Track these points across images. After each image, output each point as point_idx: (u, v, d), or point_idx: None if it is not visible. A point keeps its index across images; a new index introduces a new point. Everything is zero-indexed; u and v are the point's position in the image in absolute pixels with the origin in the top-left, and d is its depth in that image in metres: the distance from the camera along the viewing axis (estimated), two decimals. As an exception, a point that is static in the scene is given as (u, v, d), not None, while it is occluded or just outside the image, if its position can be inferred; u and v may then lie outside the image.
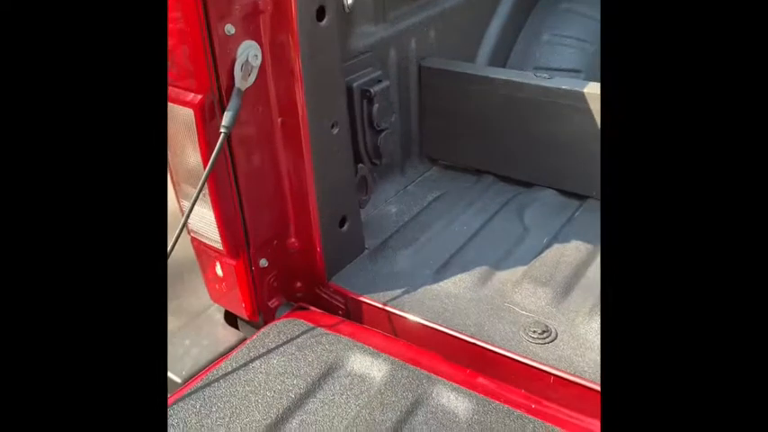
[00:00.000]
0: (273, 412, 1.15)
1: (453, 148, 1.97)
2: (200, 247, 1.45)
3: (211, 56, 1.19)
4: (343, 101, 1.44)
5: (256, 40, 1.26)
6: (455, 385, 1.18)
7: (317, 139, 1.38)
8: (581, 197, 1.78)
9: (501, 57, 2.26)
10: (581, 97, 1.66)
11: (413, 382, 1.20)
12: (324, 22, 1.32)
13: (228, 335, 1.55)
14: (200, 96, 1.21)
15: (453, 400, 1.16)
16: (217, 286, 1.50)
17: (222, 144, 1.21)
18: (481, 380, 1.22)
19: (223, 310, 1.59)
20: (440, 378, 1.20)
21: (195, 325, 1.56)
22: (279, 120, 1.36)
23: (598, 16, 2.31)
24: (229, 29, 1.20)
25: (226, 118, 1.21)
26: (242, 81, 1.24)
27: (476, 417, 1.12)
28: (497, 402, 1.15)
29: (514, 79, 1.77)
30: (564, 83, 1.71)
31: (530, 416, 1.12)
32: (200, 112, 1.21)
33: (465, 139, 1.92)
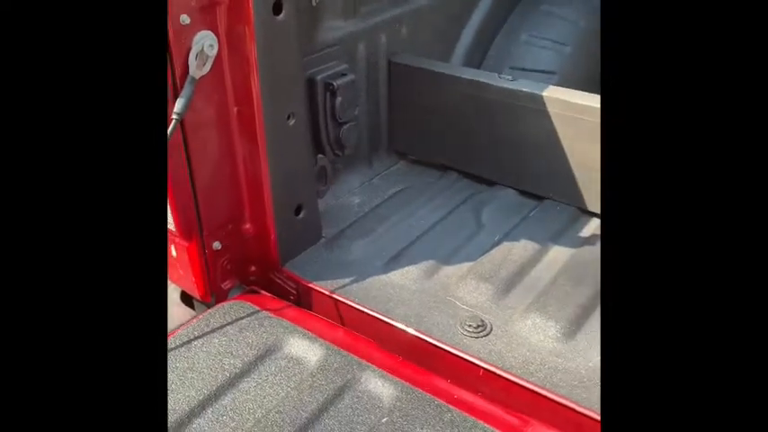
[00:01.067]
0: (207, 389, 1.20)
1: (420, 143, 2.01)
2: (156, 227, 1.50)
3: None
4: (300, 93, 1.48)
5: (213, 31, 1.30)
6: (383, 372, 1.23)
7: (272, 129, 1.43)
8: (539, 198, 1.82)
9: (478, 55, 2.30)
10: (541, 100, 1.70)
11: (344, 367, 1.25)
12: (281, 15, 1.36)
13: (183, 314, 1.60)
14: (153, 83, 1.25)
15: (380, 386, 1.21)
16: (172, 266, 1.55)
17: (173, 130, 1.25)
18: (409, 369, 1.27)
19: (180, 289, 1.64)
20: (370, 365, 1.25)
21: (151, 302, 1.61)
22: (235, 109, 1.41)
23: (577, 19, 2.34)
24: (184, 19, 1.24)
25: (178, 105, 1.25)
26: (196, 70, 1.28)
27: (398, 403, 1.17)
28: (420, 391, 1.19)
29: (479, 79, 1.80)
30: (526, 85, 1.74)
31: (449, 405, 1.17)
32: (153, 98, 1.25)
33: (431, 135, 1.96)
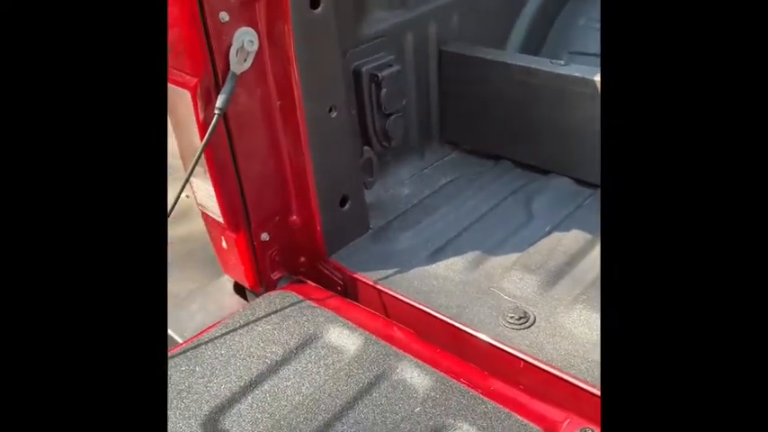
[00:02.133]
0: (248, 375, 1.24)
1: (472, 132, 1.98)
2: (207, 220, 1.56)
3: (206, 42, 1.28)
4: (341, 86, 1.50)
5: (253, 27, 1.33)
6: (420, 363, 1.23)
7: (314, 122, 1.45)
8: (595, 186, 1.75)
9: (535, 41, 2.24)
10: (593, 84, 1.64)
11: (381, 357, 1.26)
12: (318, 9, 1.37)
13: (234, 303, 1.66)
14: (195, 79, 1.30)
15: (416, 376, 1.21)
16: (224, 258, 1.61)
17: (216, 124, 1.30)
18: (447, 359, 1.26)
19: (233, 280, 1.70)
20: (407, 355, 1.25)
21: (205, 291, 1.68)
22: (278, 102, 1.44)
23: None
24: (223, 16, 1.28)
25: (219, 100, 1.29)
26: (237, 65, 1.32)
27: (432, 393, 1.17)
28: (456, 381, 1.18)
29: (529, 65, 1.76)
30: (578, 70, 1.68)
31: (484, 397, 1.15)
32: (195, 94, 1.30)
33: (483, 124, 1.93)
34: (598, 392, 1.16)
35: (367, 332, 1.32)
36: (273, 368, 1.26)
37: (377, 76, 1.67)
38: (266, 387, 1.23)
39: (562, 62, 1.74)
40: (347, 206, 1.61)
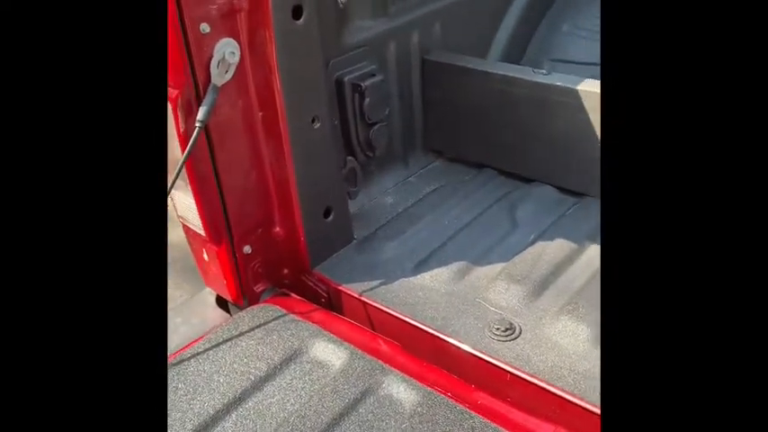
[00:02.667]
0: (232, 392, 1.22)
1: (456, 141, 1.98)
2: (188, 232, 1.53)
3: (187, 53, 1.26)
4: (324, 97, 1.48)
5: (234, 38, 1.31)
6: (406, 377, 1.22)
7: (296, 132, 1.44)
8: (578, 194, 1.76)
9: (518, 48, 2.24)
10: (575, 94, 1.64)
11: (367, 371, 1.24)
12: (301, 20, 1.36)
13: (217, 317, 1.63)
14: (176, 91, 1.27)
15: (402, 391, 1.20)
16: (205, 270, 1.59)
17: (197, 137, 1.28)
18: (434, 373, 1.25)
19: (215, 293, 1.67)
20: (393, 369, 1.24)
21: (189, 305, 1.66)
22: (260, 114, 1.42)
23: (621, 7, 2.25)
24: (204, 28, 1.26)
25: (201, 112, 1.27)
26: (218, 77, 1.30)
27: (419, 408, 1.16)
28: (443, 396, 1.17)
29: (512, 74, 1.76)
30: (560, 79, 1.69)
31: (472, 412, 1.14)
32: (176, 106, 1.28)
33: (467, 132, 1.93)
34: (585, 405, 1.16)
35: (352, 346, 1.31)
36: (258, 384, 1.24)
37: (360, 85, 1.66)
38: (250, 404, 1.21)
39: (544, 71, 1.74)
40: (331, 217, 1.60)
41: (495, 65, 1.90)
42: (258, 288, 1.59)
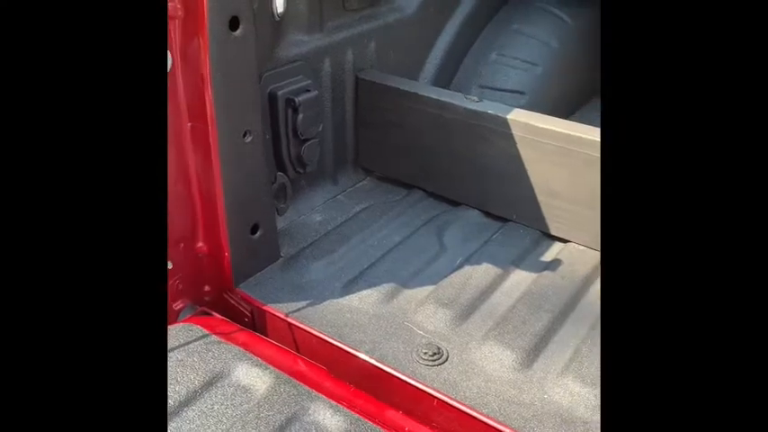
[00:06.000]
0: (148, 418, 1.15)
1: (386, 160, 1.98)
2: (104, 245, 1.44)
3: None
4: (257, 111, 1.45)
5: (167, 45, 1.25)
6: (333, 403, 1.19)
7: (227, 146, 1.39)
8: (503, 220, 1.80)
9: (448, 72, 2.28)
10: (505, 123, 1.68)
11: (293, 397, 1.21)
12: (238, 31, 1.32)
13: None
14: (99, 97, 1.20)
15: (329, 417, 1.17)
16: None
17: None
18: (361, 399, 1.23)
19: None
20: (320, 395, 1.21)
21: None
22: (188, 125, 1.36)
23: (547, 39, 2.34)
24: (134, 32, 1.19)
25: (125, 121, 1.20)
26: (146, 85, 1.23)
27: (346, 436, 1.13)
28: (370, 423, 1.16)
29: (444, 99, 1.78)
30: (490, 107, 1.73)
31: (399, 439, 1.13)
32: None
33: (397, 152, 1.94)
34: (510, 431, 1.17)
35: (277, 370, 1.27)
36: (176, 410, 1.18)
37: (294, 100, 1.63)
38: (169, 430, 1.14)
39: (475, 98, 1.78)
40: (258, 234, 1.55)
41: (427, 88, 1.92)
42: (177, 306, 1.52)
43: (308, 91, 1.68)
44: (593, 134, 1.57)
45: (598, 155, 1.55)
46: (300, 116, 1.65)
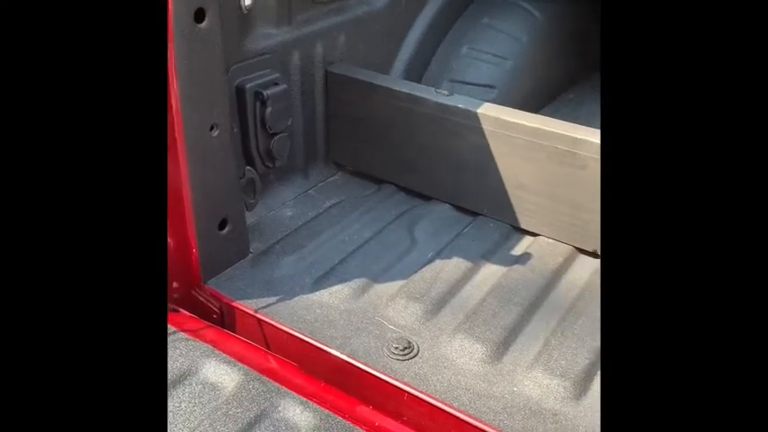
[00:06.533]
0: (113, 418, 1.13)
1: (357, 154, 1.97)
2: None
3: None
4: (225, 104, 1.42)
5: (128, 37, 1.22)
6: (303, 399, 1.18)
7: (193, 140, 1.36)
8: (474, 214, 1.80)
9: (419, 66, 2.27)
10: (475, 117, 1.68)
11: (262, 394, 1.19)
12: (203, 23, 1.30)
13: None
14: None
15: (298, 414, 1.16)
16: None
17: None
18: (331, 395, 1.22)
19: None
20: (290, 391, 1.20)
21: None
22: (154, 118, 1.33)
23: (517, 33, 2.35)
24: (95, 23, 1.16)
25: (87, 114, 1.17)
26: (109, 77, 1.21)
27: (316, 432, 1.13)
28: (340, 419, 1.15)
29: (414, 93, 1.78)
30: (461, 101, 1.73)
31: (369, 434, 1.13)
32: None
33: (368, 147, 1.93)
34: (479, 424, 1.18)
35: (246, 367, 1.25)
36: (142, 409, 1.16)
37: (262, 93, 1.61)
38: (133, 431, 1.12)
39: (446, 92, 1.77)
40: (226, 229, 1.53)
41: (398, 82, 1.91)
42: (144, 303, 1.48)
43: (277, 84, 1.66)
44: (562, 128, 1.58)
45: (567, 148, 1.56)
46: (269, 109, 1.63)
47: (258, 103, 1.63)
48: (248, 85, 1.60)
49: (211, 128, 1.39)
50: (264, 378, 1.23)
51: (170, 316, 1.43)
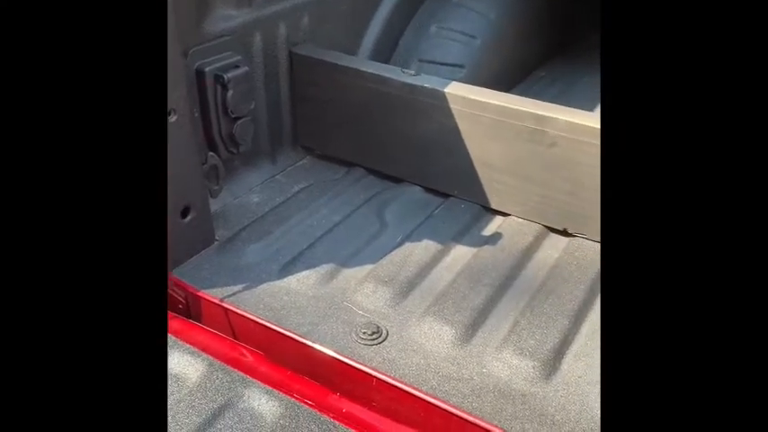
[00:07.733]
0: (72, 414, 1.10)
1: (325, 138, 1.94)
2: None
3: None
4: (182, 88, 1.38)
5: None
6: (269, 388, 1.16)
7: (150, 126, 1.32)
8: (444, 195, 1.78)
9: (387, 47, 2.24)
10: (442, 96, 1.66)
11: (226, 384, 1.17)
12: (154, 3, 1.24)
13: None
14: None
15: (264, 403, 1.14)
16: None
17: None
18: (298, 383, 1.20)
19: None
20: (255, 381, 1.18)
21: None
22: (107, 104, 1.29)
23: (487, 12, 2.31)
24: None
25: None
26: (56, 62, 1.16)
27: (282, 421, 1.11)
28: (307, 407, 1.13)
29: (381, 74, 1.74)
30: (427, 81, 1.70)
31: (336, 421, 1.11)
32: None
33: (336, 129, 1.89)
34: (448, 408, 1.17)
35: (211, 357, 1.23)
36: (102, 404, 1.13)
37: (222, 77, 1.57)
38: (93, 427, 1.09)
39: (413, 72, 1.74)
40: (189, 217, 1.49)
41: (365, 63, 1.87)
42: (106, 295, 1.45)
43: (238, 67, 1.62)
44: (528, 106, 1.56)
45: (534, 126, 1.54)
46: (230, 93, 1.59)
47: (219, 87, 1.58)
48: (208, 69, 1.56)
49: (169, 113, 1.35)
50: (229, 368, 1.20)
51: (132, 307, 1.39)
